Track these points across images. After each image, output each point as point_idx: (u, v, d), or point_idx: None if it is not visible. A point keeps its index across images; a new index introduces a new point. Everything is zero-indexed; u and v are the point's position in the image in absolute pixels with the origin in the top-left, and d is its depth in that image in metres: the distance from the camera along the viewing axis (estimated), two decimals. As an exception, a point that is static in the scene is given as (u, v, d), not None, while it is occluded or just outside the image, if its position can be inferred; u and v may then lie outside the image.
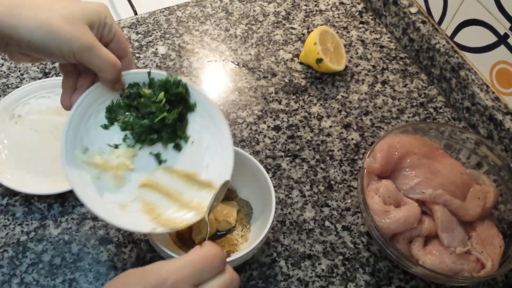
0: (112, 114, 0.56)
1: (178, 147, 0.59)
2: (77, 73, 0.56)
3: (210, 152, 0.60)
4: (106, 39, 0.53)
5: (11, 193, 0.70)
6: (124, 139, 0.56)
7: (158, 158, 0.58)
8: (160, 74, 0.57)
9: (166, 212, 0.56)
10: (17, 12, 0.47)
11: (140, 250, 0.66)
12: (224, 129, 0.60)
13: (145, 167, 0.57)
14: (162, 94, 0.56)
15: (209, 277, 0.42)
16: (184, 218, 0.55)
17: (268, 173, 0.68)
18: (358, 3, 0.99)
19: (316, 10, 0.97)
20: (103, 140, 0.56)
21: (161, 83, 0.56)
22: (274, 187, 0.69)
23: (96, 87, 0.55)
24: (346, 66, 0.89)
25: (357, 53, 0.91)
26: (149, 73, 0.57)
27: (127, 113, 0.57)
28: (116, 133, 0.56)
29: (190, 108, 0.59)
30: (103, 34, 0.52)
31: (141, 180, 0.56)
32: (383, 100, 0.85)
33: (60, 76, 0.82)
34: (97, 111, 0.56)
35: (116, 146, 0.56)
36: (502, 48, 0.74)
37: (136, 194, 0.56)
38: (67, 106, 0.56)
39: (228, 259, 0.56)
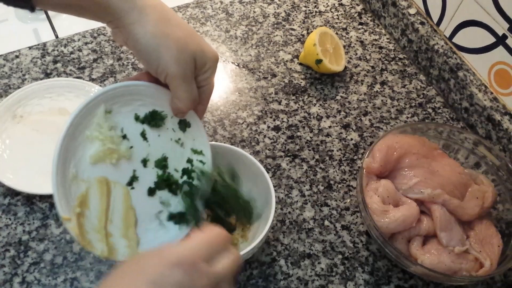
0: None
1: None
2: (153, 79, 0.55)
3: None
4: (198, 84, 0.54)
5: (13, 193, 0.70)
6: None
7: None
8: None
9: (87, 222, 0.51)
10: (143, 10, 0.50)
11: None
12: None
13: (124, 176, 0.54)
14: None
15: (218, 254, 0.45)
16: (94, 243, 0.51)
17: (268, 173, 0.69)
18: (357, 5, 0.99)
19: (316, 12, 0.97)
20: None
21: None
22: (274, 187, 0.69)
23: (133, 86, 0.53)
24: (346, 67, 0.89)
25: (356, 54, 0.92)
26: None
27: None
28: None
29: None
30: (197, 78, 0.54)
31: (105, 175, 0.53)
32: (382, 100, 0.85)
33: (61, 76, 0.83)
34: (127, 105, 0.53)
35: (124, 137, 0.54)
36: (500, 49, 0.75)
37: (89, 178, 0.52)
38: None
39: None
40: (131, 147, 0.55)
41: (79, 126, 0.50)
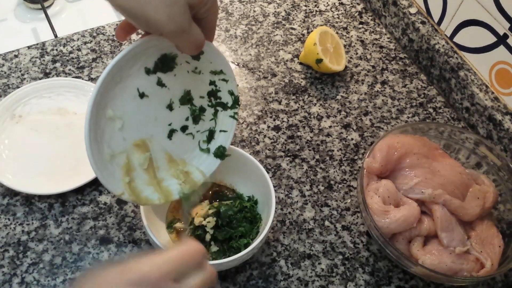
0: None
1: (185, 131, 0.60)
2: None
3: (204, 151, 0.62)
4: (200, 16, 0.49)
5: (12, 193, 0.70)
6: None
7: (171, 133, 0.58)
8: None
9: (138, 182, 0.56)
10: None
11: (141, 250, 0.66)
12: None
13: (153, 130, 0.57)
14: None
15: (190, 272, 0.42)
16: (150, 196, 0.57)
17: (268, 173, 0.68)
18: (358, 4, 0.99)
19: (316, 11, 0.97)
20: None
21: None
22: (274, 187, 0.69)
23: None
24: (346, 67, 0.89)
25: (356, 53, 0.91)
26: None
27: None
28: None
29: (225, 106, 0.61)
30: (198, 13, 0.48)
31: (140, 137, 0.56)
32: (382, 100, 0.85)
33: (60, 76, 0.82)
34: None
35: (142, 96, 0.54)
36: (501, 48, 0.74)
37: (126, 148, 0.55)
38: (120, 36, 0.52)
39: (228, 259, 0.57)
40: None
41: (98, 113, 0.50)
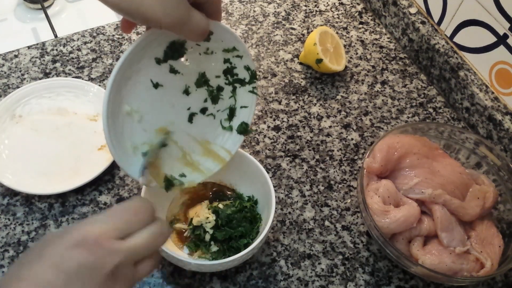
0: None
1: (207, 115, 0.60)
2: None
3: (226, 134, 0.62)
4: (200, 0, 0.47)
5: (12, 193, 0.70)
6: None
7: (191, 116, 0.59)
8: None
9: (165, 169, 0.57)
10: None
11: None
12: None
13: (174, 116, 0.57)
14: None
15: (136, 228, 0.41)
16: (179, 180, 0.58)
17: (268, 173, 0.68)
18: (358, 4, 0.99)
19: (316, 11, 0.97)
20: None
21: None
22: (274, 187, 0.69)
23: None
24: (346, 67, 0.89)
25: (356, 53, 0.91)
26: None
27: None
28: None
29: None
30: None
31: (160, 125, 0.56)
32: (382, 100, 0.85)
33: (60, 76, 0.82)
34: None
35: (156, 86, 0.54)
36: (501, 48, 0.74)
37: (149, 137, 0.55)
38: (125, 28, 0.50)
39: (228, 259, 0.57)
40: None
41: (114, 111, 0.50)
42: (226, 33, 0.54)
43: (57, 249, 0.38)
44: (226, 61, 0.58)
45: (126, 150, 0.53)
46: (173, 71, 0.55)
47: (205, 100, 0.59)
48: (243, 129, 0.61)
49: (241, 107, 0.61)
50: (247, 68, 0.58)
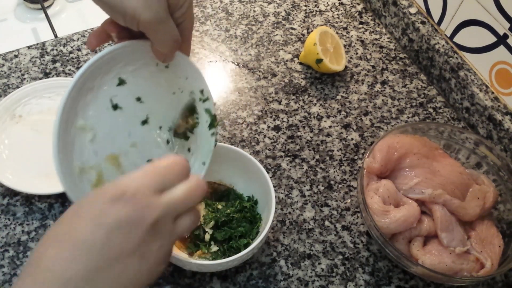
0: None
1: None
2: (127, 35, 0.50)
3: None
4: (175, 21, 0.48)
5: (12, 193, 0.70)
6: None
7: (146, 150, 0.56)
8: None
9: None
10: None
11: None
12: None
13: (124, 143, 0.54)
14: None
15: (172, 183, 0.41)
16: None
17: (268, 173, 0.68)
18: (358, 4, 0.99)
19: (316, 11, 0.97)
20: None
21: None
22: (274, 187, 0.69)
23: (125, 46, 0.49)
24: (346, 67, 0.89)
25: (356, 53, 0.91)
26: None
27: None
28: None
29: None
30: (174, 15, 0.48)
31: (112, 152, 0.53)
32: (382, 100, 0.85)
33: (60, 76, 0.82)
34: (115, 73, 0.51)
35: (115, 107, 0.52)
36: (501, 48, 0.74)
37: (98, 163, 0.52)
38: (91, 43, 0.50)
39: (228, 259, 0.57)
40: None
41: (68, 120, 0.48)
42: (195, 72, 0.54)
43: (95, 205, 0.38)
44: (191, 102, 0.57)
45: (72, 169, 0.49)
46: (137, 98, 0.53)
47: (164, 138, 0.57)
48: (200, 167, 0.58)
49: (201, 149, 0.59)
50: (208, 111, 0.57)
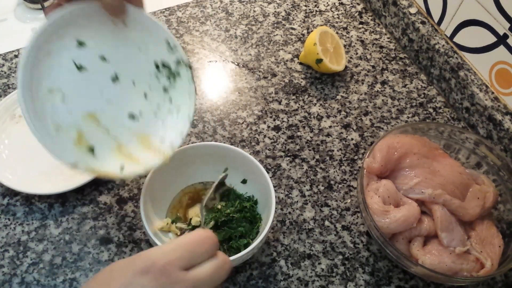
0: None
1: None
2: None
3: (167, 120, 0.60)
4: None
5: (12, 193, 0.70)
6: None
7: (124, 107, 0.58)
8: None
9: (99, 153, 0.55)
10: None
11: (141, 250, 0.66)
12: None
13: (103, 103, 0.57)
14: None
15: (200, 260, 0.41)
16: (111, 168, 0.55)
17: (268, 173, 0.68)
18: (358, 4, 0.99)
19: (316, 11, 0.97)
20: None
21: None
22: (274, 187, 0.69)
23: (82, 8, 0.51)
24: (346, 67, 0.89)
25: (356, 53, 0.91)
26: None
27: None
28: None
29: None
30: None
31: (87, 110, 0.55)
32: (382, 100, 0.85)
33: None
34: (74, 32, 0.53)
35: (79, 68, 0.55)
36: (501, 48, 0.74)
37: (76, 122, 0.55)
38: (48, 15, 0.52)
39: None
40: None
41: (33, 84, 0.50)
42: (154, 25, 0.55)
43: (125, 275, 0.39)
44: (159, 55, 0.57)
45: (47, 127, 0.52)
46: (102, 58, 0.55)
47: (141, 93, 0.58)
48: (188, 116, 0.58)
49: (180, 100, 0.59)
50: (179, 60, 0.57)
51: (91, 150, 0.55)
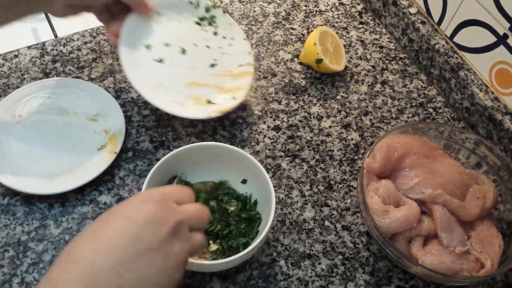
0: None
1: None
2: (113, 16, 0.71)
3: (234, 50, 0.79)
4: None
5: (12, 193, 0.70)
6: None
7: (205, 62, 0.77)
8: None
9: (214, 100, 0.73)
10: None
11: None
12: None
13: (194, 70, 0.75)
14: None
15: (185, 202, 0.48)
16: (229, 103, 0.73)
17: (268, 173, 0.68)
18: (358, 4, 0.99)
19: (316, 11, 0.97)
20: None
21: None
22: (274, 187, 0.69)
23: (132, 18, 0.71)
24: (346, 67, 0.89)
25: (356, 53, 0.91)
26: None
27: None
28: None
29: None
30: None
31: (187, 81, 0.73)
32: (382, 100, 0.85)
33: (60, 76, 0.83)
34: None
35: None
36: (501, 48, 0.74)
37: (186, 92, 0.72)
38: (114, 42, 0.71)
39: (228, 259, 0.57)
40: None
41: (131, 44, 0.72)
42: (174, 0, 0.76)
43: (128, 205, 0.44)
44: (192, 15, 0.78)
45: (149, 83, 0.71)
46: (166, 44, 0.75)
47: (204, 47, 0.76)
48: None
49: (228, 31, 0.79)
50: (207, 8, 0.78)
51: (209, 102, 0.73)
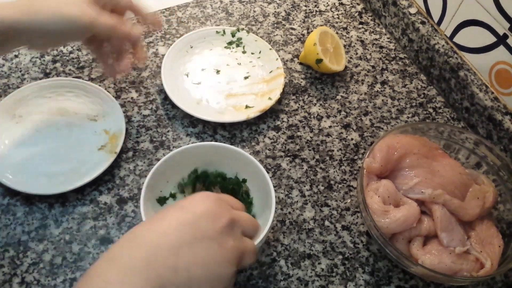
0: None
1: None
2: (101, 43, 0.68)
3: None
4: (110, 7, 0.64)
5: (12, 193, 0.70)
6: None
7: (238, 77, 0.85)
8: None
9: (252, 104, 0.80)
10: (32, 9, 0.56)
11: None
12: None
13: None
14: None
15: (237, 208, 0.52)
16: (263, 104, 0.79)
17: (268, 173, 0.68)
18: (358, 4, 0.99)
19: (316, 11, 0.97)
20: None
21: None
22: (274, 187, 0.69)
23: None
24: (346, 67, 0.89)
25: (356, 53, 0.91)
26: None
27: None
28: None
29: None
30: (105, 4, 0.63)
31: (225, 94, 0.81)
32: (382, 100, 0.85)
33: (60, 76, 0.83)
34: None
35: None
36: (501, 48, 0.75)
37: (225, 103, 0.80)
38: (112, 75, 0.72)
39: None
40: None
41: None
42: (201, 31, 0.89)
43: (187, 200, 0.49)
44: (221, 41, 0.89)
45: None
46: (202, 69, 0.86)
47: (235, 64, 0.86)
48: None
49: (254, 46, 0.89)
50: (232, 33, 0.89)
51: (247, 106, 0.79)
